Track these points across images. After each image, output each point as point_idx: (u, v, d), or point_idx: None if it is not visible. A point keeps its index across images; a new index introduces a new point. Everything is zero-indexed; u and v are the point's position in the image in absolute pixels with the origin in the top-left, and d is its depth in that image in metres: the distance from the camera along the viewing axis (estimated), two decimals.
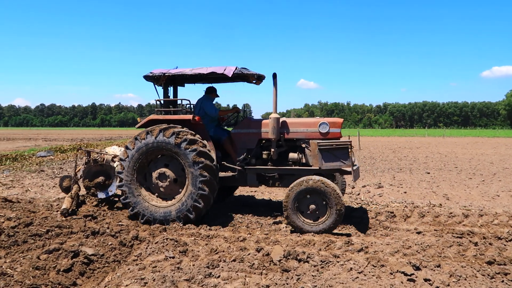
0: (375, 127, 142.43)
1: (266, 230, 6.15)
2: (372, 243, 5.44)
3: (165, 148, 6.30)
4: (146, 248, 5.10)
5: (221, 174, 6.70)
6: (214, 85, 7.59)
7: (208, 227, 6.23)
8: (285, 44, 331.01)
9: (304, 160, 6.73)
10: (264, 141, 6.91)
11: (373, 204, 8.14)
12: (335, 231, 6.09)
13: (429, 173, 13.36)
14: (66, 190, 7.50)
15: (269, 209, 7.66)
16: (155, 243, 5.28)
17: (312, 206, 5.83)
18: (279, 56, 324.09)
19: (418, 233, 5.97)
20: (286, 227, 6.37)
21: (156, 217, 6.29)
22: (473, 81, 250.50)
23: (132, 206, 6.42)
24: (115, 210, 7.18)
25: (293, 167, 6.64)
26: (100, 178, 7.36)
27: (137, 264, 4.55)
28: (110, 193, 7.36)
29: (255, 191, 9.63)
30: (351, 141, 6.24)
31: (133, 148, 6.43)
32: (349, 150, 6.09)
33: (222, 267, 4.44)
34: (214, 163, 6.32)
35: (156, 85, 7.04)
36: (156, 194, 6.58)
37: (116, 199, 7.64)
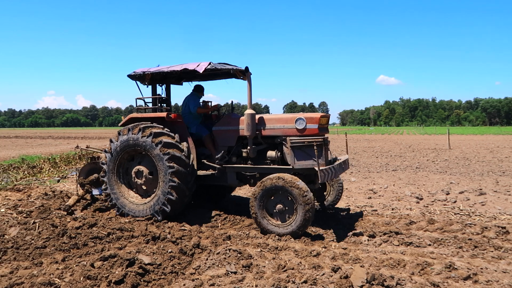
0: (464, 124, 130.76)
1: (344, 243, 5.27)
2: (482, 268, 4.29)
3: (135, 145, 6.23)
4: (207, 259, 4.54)
5: (201, 172, 6.56)
6: (208, 82, 7.66)
7: (277, 237, 5.53)
8: (364, 39, 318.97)
9: (284, 159, 6.19)
10: (243, 139, 6.46)
11: (475, 216, 6.76)
12: (430, 248, 5.02)
13: None
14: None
15: (348, 216, 6.75)
16: (217, 253, 4.70)
17: (279, 206, 5.48)
18: (357, 51, 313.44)
19: None
20: (368, 240, 5.43)
21: (137, 215, 6.24)
22: None
23: (117, 207, 6.43)
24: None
25: (270, 166, 6.19)
26: (94, 175, 7.29)
27: (193, 280, 4.00)
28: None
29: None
30: (326, 137, 5.93)
31: (110, 150, 6.47)
32: (315, 147, 5.47)
33: None
34: (183, 153, 6.10)
35: (140, 84, 6.98)
36: (136, 191, 6.55)
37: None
